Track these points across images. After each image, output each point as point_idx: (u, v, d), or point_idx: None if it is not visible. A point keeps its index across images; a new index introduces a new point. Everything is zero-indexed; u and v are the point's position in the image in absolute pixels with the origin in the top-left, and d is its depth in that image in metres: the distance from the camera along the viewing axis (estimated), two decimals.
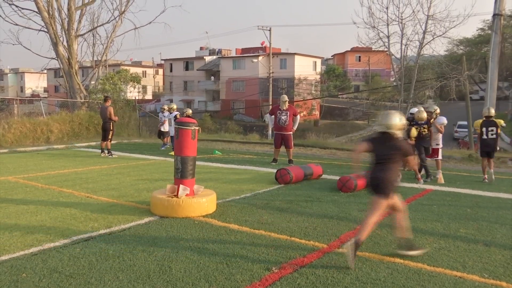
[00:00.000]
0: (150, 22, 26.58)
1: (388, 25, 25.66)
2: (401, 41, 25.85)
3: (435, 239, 4.60)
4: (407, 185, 7.81)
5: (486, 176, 8.81)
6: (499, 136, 9.11)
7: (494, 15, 15.61)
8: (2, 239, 4.37)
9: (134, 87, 42.80)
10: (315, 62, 55.39)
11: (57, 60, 21.69)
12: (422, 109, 8.84)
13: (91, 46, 25.37)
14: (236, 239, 4.49)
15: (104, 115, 11.94)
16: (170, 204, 5.31)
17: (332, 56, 75.02)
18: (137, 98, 30.85)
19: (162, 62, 66.03)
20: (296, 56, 50.84)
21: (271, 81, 39.27)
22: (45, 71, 61.45)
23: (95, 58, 25.61)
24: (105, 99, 12.47)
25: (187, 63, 58.12)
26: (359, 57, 65.17)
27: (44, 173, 8.79)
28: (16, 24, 21.93)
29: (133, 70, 53.83)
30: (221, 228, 4.89)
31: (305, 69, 50.33)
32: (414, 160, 4.16)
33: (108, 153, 11.90)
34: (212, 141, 18.07)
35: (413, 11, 26.22)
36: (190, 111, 12.36)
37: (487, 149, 8.79)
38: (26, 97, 57.75)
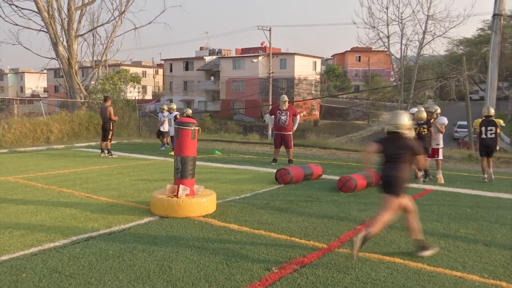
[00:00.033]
0: (150, 22, 26.57)
1: (388, 25, 25.73)
2: (401, 41, 25.92)
3: (435, 239, 4.60)
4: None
5: (486, 175, 8.82)
6: (499, 136, 9.12)
7: (494, 15, 15.63)
8: (2, 239, 4.37)
9: (134, 87, 42.81)
10: (315, 62, 55.41)
11: (57, 60, 21.69)
12: (422, 109, 8.83)
13: (91, 46, 25.39)
14: (236, 239, 4.49)
15: (104, 115, 11.94)
16: (170, 204, 5.31)
17: (332, 56, 75.02)
18: (137, 98, 30.86)
19: (162, 62, 66.05)
20: (296, 56, 50.85)
21: (271, 81, 39.29)
22: (45, 71, 61.47)
23: (95, 58, 25.63)
24: (105, 99, 12.48)
25: (187, 63, 58.12)
26: (359, 57, 65.19)
27: (44, 173, 8.79)
28: (16, 24, 21.96)
29: (133, 70, 53.84)
30: (221, 228, 4.89)
31: (305, 69, 50.33)
32: (424, 159, 4.15)
33: (108, 153, 11.90)
34: (212, 141, 18.07)
35: (413, 11, 26.31)
36: (190, 111, 12.36)
37: (486, 149, 8.82)
38: (26, 97, 57.75)
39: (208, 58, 57.18)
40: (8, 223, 4.96)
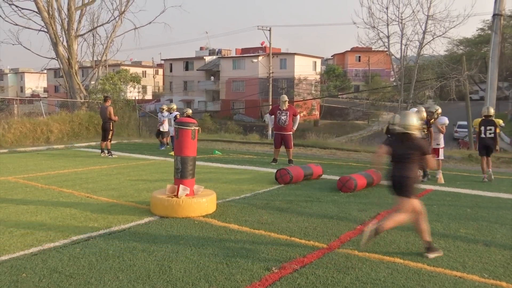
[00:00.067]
0: (150, 22, 26.56)
1: (388, 25, 25.70)
2: (401, 41, 25.89)
3: (435, 239, 4.59)
4: None
5: (485, 175, 8.83)
6: (499, 135, 9.12)
7: (494, 15, 15.63)
8: (2, 239, 4.37)
9: (134, 87, 42.83)
10: (315, 62, 55.40)
11: (57, 60, 21.69)
12: (423, 108, 8.82)
13: (91, 46, 25.37)
14: (236, 239, 4.49)
15: (104, 115, 11.94)
16: (170, 204, 5.31)
17: (332, 56, 75.03)
18: (137, 98, 30.85)
19: (162, 62, 66.05)
20: (296, 56, 50.85)
21: (271, 81, 39.30)
22: (45, 71, 61.52)
23: (95, 58, 25.62)
24: (105, 99, 12.48)
25: (187, 63, 58.12)
26: (359, 57, 65.19)
27: (44, 173, 8.79)
28: (16, 24, 21.95)
29: (133, 70, 53.87)
30: (221, 228, 4.89)
31: (305, 69, 50.33)
32: (433, 160, 4.14)
33: (108, 153, 11.90)
34: (212, 141, 18.06)
35: (413, 11, 26.25)
36: (190, 111, 12.36)
37: (485, 148, 8.85)
38: (26, 97, 57.74)
39: (208, 58, 57.19)
40: (8, 223, 4.97)
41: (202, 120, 37.04)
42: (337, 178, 7.75)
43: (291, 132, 10.77)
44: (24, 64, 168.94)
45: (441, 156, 8.92)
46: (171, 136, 13.47)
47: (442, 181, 8.45)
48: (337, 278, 3.51)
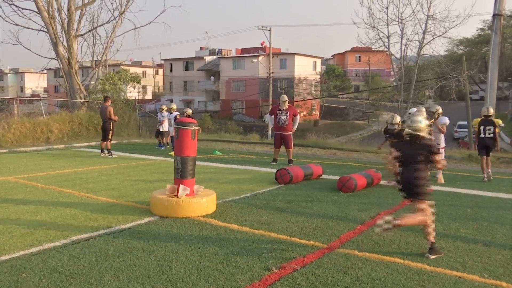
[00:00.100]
0: (150, 22, 26.59)
1: (388, 25, 25.69)
2: (401, 41, 25.88)
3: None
4: None
5: (485, 175, 8.83)
6: (499, 135, 9.13)
7: (494, 15, 15.63)
8: (2, 239, 4.37)
9: (134, 87, 42.84)
10: (315, 62, 55.40)
11: (57, 60, 21.69)
12: (423, 108, 8.82)
13: (91, 46, 25.37)
14: (236, 239, 4.49)
15: (104, 115, 11.94)
16: (170, 204, 5.31)
17: (332, 56, 75.04)
18: (137, 98, 30.85)
19: (162, 62, 66.05)
20: (296, 56, 50.85)
21: (271, 81, 39.29)
22: (45, 71, 61.53)
23: (95, 58, 25.63)
24: (105, 99, 12.48)
25: (187, 63, 58.13)
26: (359, 57, 65.20)
27: (44, 173, 8.79)
28: (16, 24, 21.96)
29: (133, 70, 53.88)
30: (221, 228, 4.89)
31: (305, 69, 50.33)
32: (441, 159, 4.13)
33: (108, 153, 11.90)
34: (212, 141, 18.07)
35: (413, 11, 26.22)
36: (190, 111, 12.36)
37: (485, 148, 8.87)
38: (26, 97, 57.73)
39: (208, 58, 57.19)
40: (8, 223, 4.96)
41: (202, 120, 37.05)
42: (337, 178, 7.75)
43: (291, 132, 10.77)
44: (24, 64, 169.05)
45: (442, 156, 8.92)
46: (171, 136, 13.47)
47: (442, 181, 8.45)
48: (337, 278, 3.51)
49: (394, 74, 30.75)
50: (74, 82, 21.44)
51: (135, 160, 11.35)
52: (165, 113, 14.41)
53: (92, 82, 25.58)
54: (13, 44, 37.88)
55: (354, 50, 65.56)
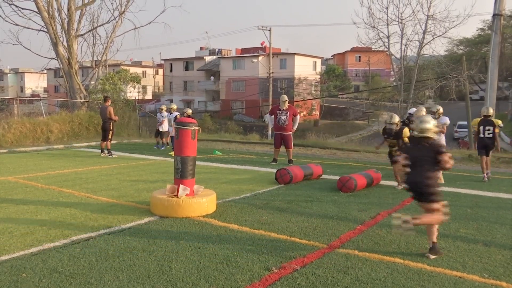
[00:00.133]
0: (150, 22, 26.61)
1: (388, 25, 25.73)
2: (401, 41, 25.92)
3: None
4: None
5: (485, 175, 8.83)
6: (498, 135, 9.13)
7: (494, 15, 15.62)
8: (2, 239, 4.37)
9: (134, 87, 42.83)
10: (315, 62, 55.40)
11: (57, 60, 21.69)
12: (423, 108, 8.81)
13: (91, 46, 25.39)
14: (236, 239, 4.49)
15: (104, 115, 11.94)
16: (170, 204, 5.31)
17: (332, 56, 75.02)
18: (137, 98, 30.85)
19: (162, 62, 66.05)
20: (296, 56, 50.85)
21: (271, 81, 39.29)
22: (45, 71, 61.53)
23: (95, 58, 25.64)
24: (105, 99, 12.49)
25: (187, 63, 58.13)
26: (359, 57, 65.19)
27: (44, 173, 8.79)
28: (16, 24, 21.97)
29: (133, 70, 53.87)
30: (221, 228, 4.89)
31: (305, 69, 50.33)
32: (449, 158, 4.10)
33: (108, 153, 11.90)
34: (212, 141, 18.06)
35: (413, 11, 26.28)
36: (190, 111, 12.36)
37: (484, 148, 8.88)
38: (26, 97, 57.73)
39: (208, 58, 57.19)
40: (8, 223, 4.97)
41: (202, 120, 37.04)
42: (337, 178, 7.75)
43: (291, 132, 10.77)
44: (24, 64, 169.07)
45: None
46: (171, 136, 13.47)
47: (442, 181, 8.42)
48: (337, 278, 3.51)
49: (394, 74, 30.76)
50: (74, 82, 21.45)
51: (135, 160, 11.35)
52: (165, 113, 14.42)
53: (92, 82, 25.58)
54: (13, 44, 37.94)
55: (354, 50, 65.55)
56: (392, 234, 4.74)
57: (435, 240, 4.11)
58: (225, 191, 6.98)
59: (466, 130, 25.77)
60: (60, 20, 21.18)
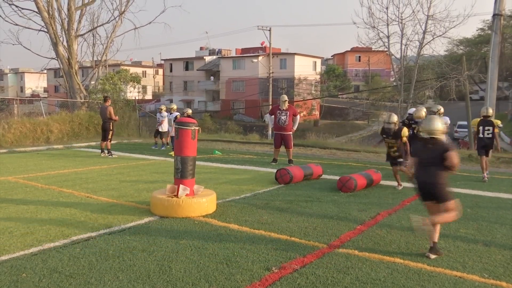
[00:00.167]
0: (150, 22, 26.61)
1: (388, 25, 25.70)
2: (401, 41, 25.89)
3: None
4: (407, 185, 7.79)
5: (485, 174, 8.83)
6: (498, 135, 9.13)
7: (494, 15, 15.63)
8: (2, 239, 4.37)
9: (134, 87, 42.84)
10: (315, 62, 55.40)
11: (57, 60, 21.69)
12: (423, 108, 8.82)
13: (91, 46, 25.37)
14: (236, 239, 4.49)
15: (104, 115, 11.94)
16: (170, 204, 5.31)
17: (332, 56, 75.02)
18: (137, 98, 30.85)
19: (162, 62, 66.04)
20: (296, 56, 50.84)
21: (271, 81, 39.30)
22: (45, 71, 61.52)
23: (95, 58, 25.63)
24: (105, 99, 12.49)
25: (187, 63, 58.12)
26: (359, 57, 65.17)
27: (44, 173, 8.79)
28: (16, 24, 21.96)
29: (133, 70, 53.88)
30: (221, 228, 4.89)
31: (305, 69, 50.33)
32: (456, 157, 4.05)
33: (108, 153, 11.90)
34: (212, 141, 18.06)
35: (413, 11, 26.23)
36: (190, 111, 12.35)
37: (484, 148, 8.89)
38: (26, 97, 57.73)
39: (208, 58, 57.18)
40: (8, 223, 4.97)
41: (202, 120, 37.04)
42: (337, 178, 7.75)
43: (291, 132, 10.77)
44: (24, 64, 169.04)
45: None
46: (171, 136, 13.47)
47: None
48: (337, 278, 3.51)
49: (394, 74, 30.76)
50: (74, 82, 21.44)
51: (135, 160, 11.35)
52: (164, 113, 14.43)
53: (92, 82, 25.58)
54: (13, 44, 37.94)
55: (354, 50, 65.54)
56: (392, 234, 4.74)
57: (436, 240, 4.11)
58: (225, 191, 6.98)
59: (466, 130, 25.77)
60: (60, 20, 21.18)
